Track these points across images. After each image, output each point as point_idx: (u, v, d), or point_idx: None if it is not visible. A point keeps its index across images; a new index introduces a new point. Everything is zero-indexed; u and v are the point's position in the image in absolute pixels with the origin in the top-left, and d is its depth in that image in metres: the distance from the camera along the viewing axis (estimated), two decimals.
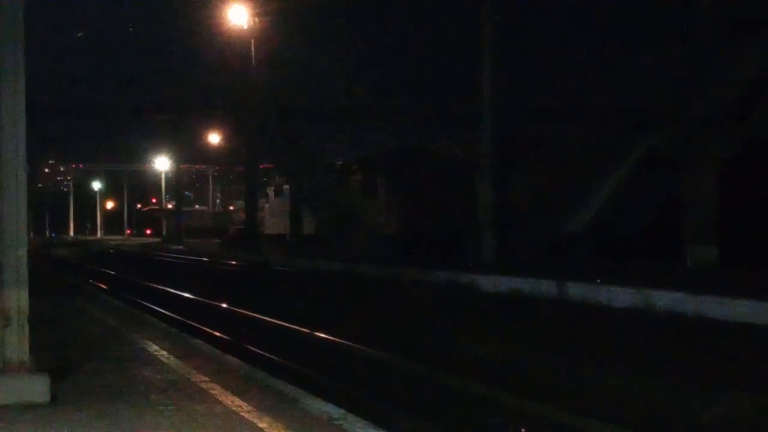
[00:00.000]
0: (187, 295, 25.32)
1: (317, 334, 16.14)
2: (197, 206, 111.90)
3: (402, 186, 41.36)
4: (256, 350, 14.57)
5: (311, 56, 47.54)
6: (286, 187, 55.92)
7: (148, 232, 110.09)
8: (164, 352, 11.76)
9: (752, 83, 25.26)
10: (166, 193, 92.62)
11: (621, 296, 17.47)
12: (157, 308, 21.55)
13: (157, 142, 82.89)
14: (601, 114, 33.74)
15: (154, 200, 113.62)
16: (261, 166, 59.36)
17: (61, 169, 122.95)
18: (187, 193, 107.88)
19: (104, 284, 30.18)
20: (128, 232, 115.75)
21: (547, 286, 19.76)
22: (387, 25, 44.11)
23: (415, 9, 42.10)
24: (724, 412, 9.22)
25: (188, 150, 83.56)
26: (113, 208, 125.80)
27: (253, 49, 46.53)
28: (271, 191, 61.61)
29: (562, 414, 9.61)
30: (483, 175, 29.10)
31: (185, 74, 55.29)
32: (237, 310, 20.89)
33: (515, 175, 31.49)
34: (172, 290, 26.75)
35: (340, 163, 49.68)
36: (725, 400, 9.39)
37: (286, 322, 17.90)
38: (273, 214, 57.90)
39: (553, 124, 39.99)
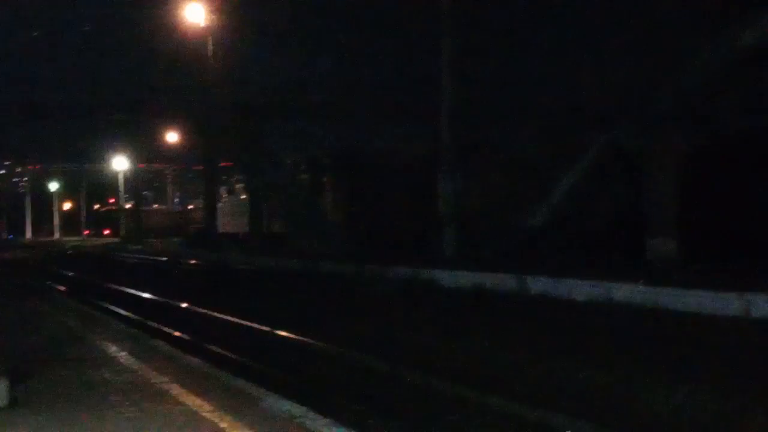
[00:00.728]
0: (146, 295, 25.20)
1: (278, 332, 16.12)
2: (156, 205, 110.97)
3: (348, 185, 41.72)
4: (216, 349, 14.54)
5: (269, 53, 47.37)
6: (239, 186, 55.87)
7: (107, 232, 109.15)
8: (124, 353, 11.70)
9: (714, 77, 25.36)
10: (124, 192, 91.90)
11: (581, 289, 17.56)
12: (116, 309, 21.46)
13: (114, 142, 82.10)
14: (561, 107, 33.82)
15: (111, 200, 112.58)
16: (221, 164, 59.02)
17: (18, 170, 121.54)
18: (145, 192, 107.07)
19: (63, 286, 29.93)
20: (86, 232, 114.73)
21: (508, 281, 19.82)
22: (347, 22, 43.92)
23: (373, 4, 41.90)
24: (683, 404, 9.31)
25: (146, 149, 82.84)
26: (70, 209, 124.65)
27: (210, 46, 46.23)
28: (224, 190, 61.42)
29: (521, 408, 9.69)
30: (443, 170, 29.07)
31: (142, 73, 54.91)
32: (197, 309, 20.82)
33: (474, 171, 31.54)
34: (132, 290, 26.60)
35: (290, 162, 49.56)
36: (683, 392, 9.47)
37: (246, 320, 17.87)
38: (226, 213, 57.73)
39: (511, 120, 40.05)
